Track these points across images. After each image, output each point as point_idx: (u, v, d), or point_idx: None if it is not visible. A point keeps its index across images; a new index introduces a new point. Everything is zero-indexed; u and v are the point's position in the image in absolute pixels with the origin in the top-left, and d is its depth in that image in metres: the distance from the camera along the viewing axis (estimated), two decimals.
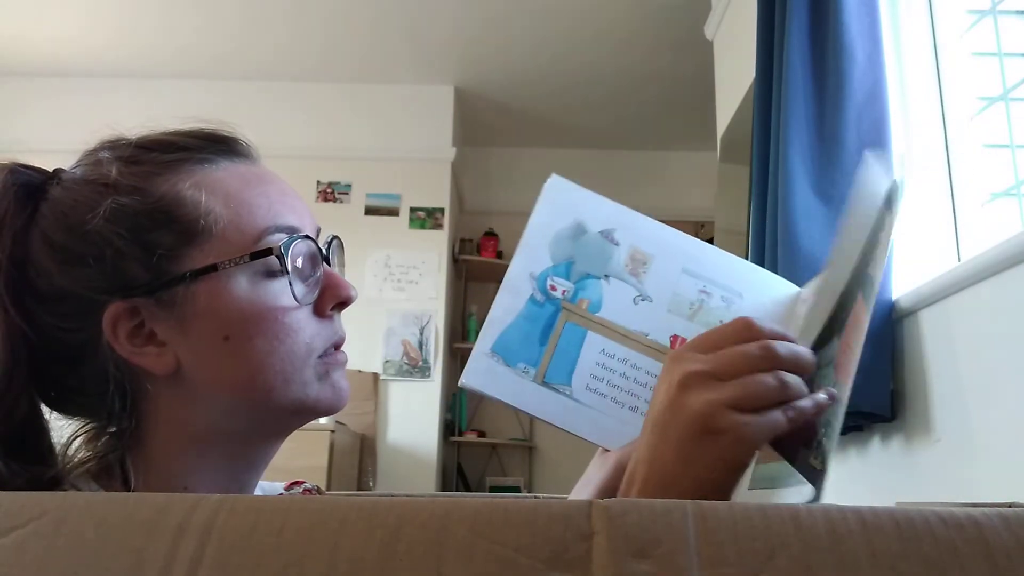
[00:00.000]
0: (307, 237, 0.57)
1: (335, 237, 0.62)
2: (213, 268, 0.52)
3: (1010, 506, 0.30)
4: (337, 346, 0.59)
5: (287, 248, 0.54)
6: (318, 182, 3.94)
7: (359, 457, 3.47)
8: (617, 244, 0.59)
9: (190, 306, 0.52)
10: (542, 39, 3.60)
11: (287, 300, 0.54)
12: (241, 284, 0.53)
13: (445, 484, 3.94)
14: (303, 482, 0.73)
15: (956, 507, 0.29)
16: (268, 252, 0.54)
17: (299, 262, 0.56)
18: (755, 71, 1.95)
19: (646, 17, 3.39)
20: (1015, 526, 0.28)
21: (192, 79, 3.99)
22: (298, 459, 1.79)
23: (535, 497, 0.80)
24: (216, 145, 0.58)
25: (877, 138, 1.49)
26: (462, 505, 0.28)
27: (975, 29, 1.58)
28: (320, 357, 0.56)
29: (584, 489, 0.60)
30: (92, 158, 0.56)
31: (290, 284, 0.54)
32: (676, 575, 0.26)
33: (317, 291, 0.57)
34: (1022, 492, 1.10)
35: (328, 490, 1.58)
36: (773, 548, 0.27)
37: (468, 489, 4.11)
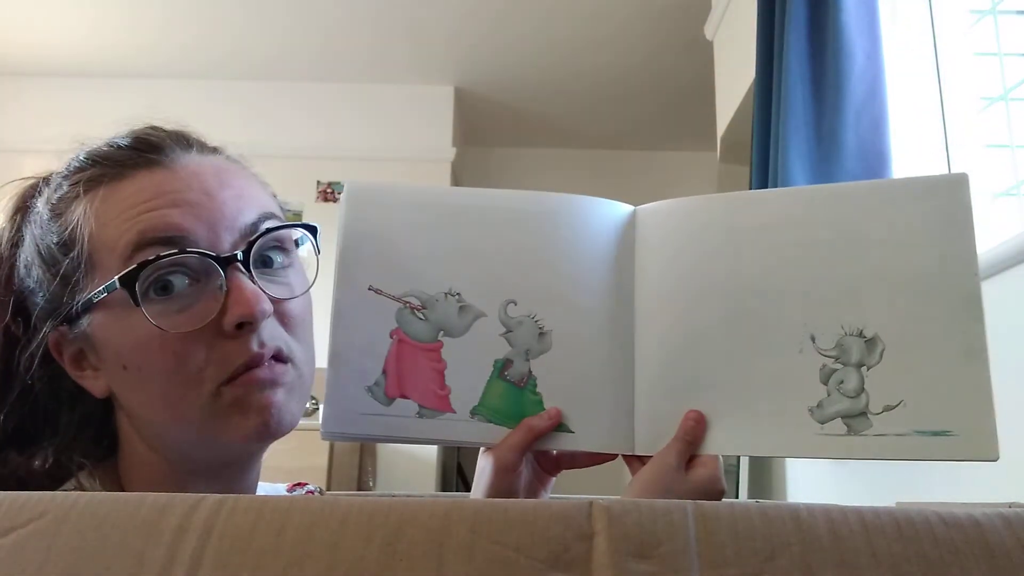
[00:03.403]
0: (183, 252, 0.49)
1: (271, 229, 0.53)
2: (91, 300, 0.51)
3: (1010, 506, 0.30)
4: (252, 365, 0.50)
5: (139, 273, 0.49)
6: (318, 182, 3.93)
7: (359, 457, 3.47)
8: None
9: (93, 336, 0.52)
10: (542, 39, 3.59)
11: (167, 323, 0.49)
12: (118, 312, 0.50)
13: (445, 484, 3.93)
14: (306, 484, 0.73)
15: (956, 507, 0.29)
16: (129, 278, 0.48)
17: (157, 285, 0.49)
18: (755, 71, 1.95)
19: (646, 17, 3.38)
20: (1015, 526, 0.28)
21: (191, 79, 3.99)
22: (298, 459, 1.79)
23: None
24: (139, 155, 0.53)
25: (875, 137, 1.49)
26: (462, 505, 0.28)
27: (976, 29, 1.58)
28: (228, 382, 0.50)
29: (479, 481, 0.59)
30: (40, 187, 0.57)
31: (143, 313, 0.48)
32: (676, 575, 0.26)
33: (217, 308, 0.49)
34: (1022, 492, 1.09)
35: (328, 490, 1.58)
36: (773, 548, 0.27)
37: (468, 489, 4.09)
